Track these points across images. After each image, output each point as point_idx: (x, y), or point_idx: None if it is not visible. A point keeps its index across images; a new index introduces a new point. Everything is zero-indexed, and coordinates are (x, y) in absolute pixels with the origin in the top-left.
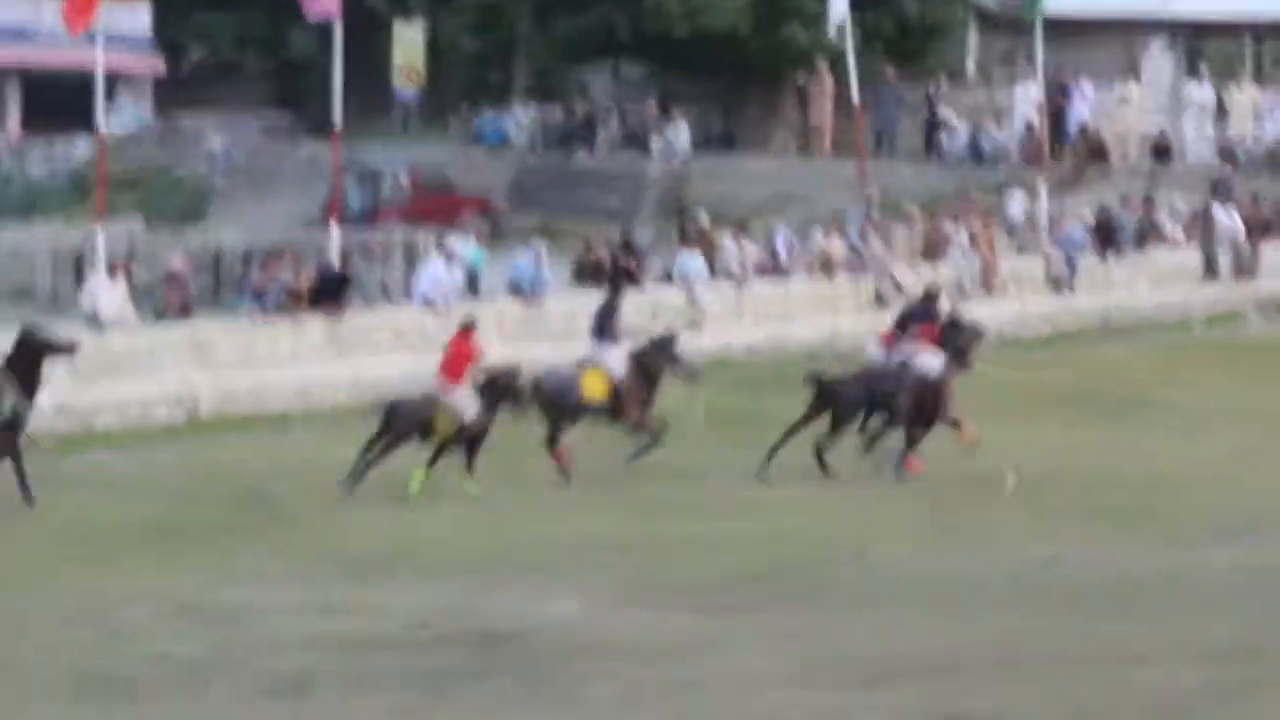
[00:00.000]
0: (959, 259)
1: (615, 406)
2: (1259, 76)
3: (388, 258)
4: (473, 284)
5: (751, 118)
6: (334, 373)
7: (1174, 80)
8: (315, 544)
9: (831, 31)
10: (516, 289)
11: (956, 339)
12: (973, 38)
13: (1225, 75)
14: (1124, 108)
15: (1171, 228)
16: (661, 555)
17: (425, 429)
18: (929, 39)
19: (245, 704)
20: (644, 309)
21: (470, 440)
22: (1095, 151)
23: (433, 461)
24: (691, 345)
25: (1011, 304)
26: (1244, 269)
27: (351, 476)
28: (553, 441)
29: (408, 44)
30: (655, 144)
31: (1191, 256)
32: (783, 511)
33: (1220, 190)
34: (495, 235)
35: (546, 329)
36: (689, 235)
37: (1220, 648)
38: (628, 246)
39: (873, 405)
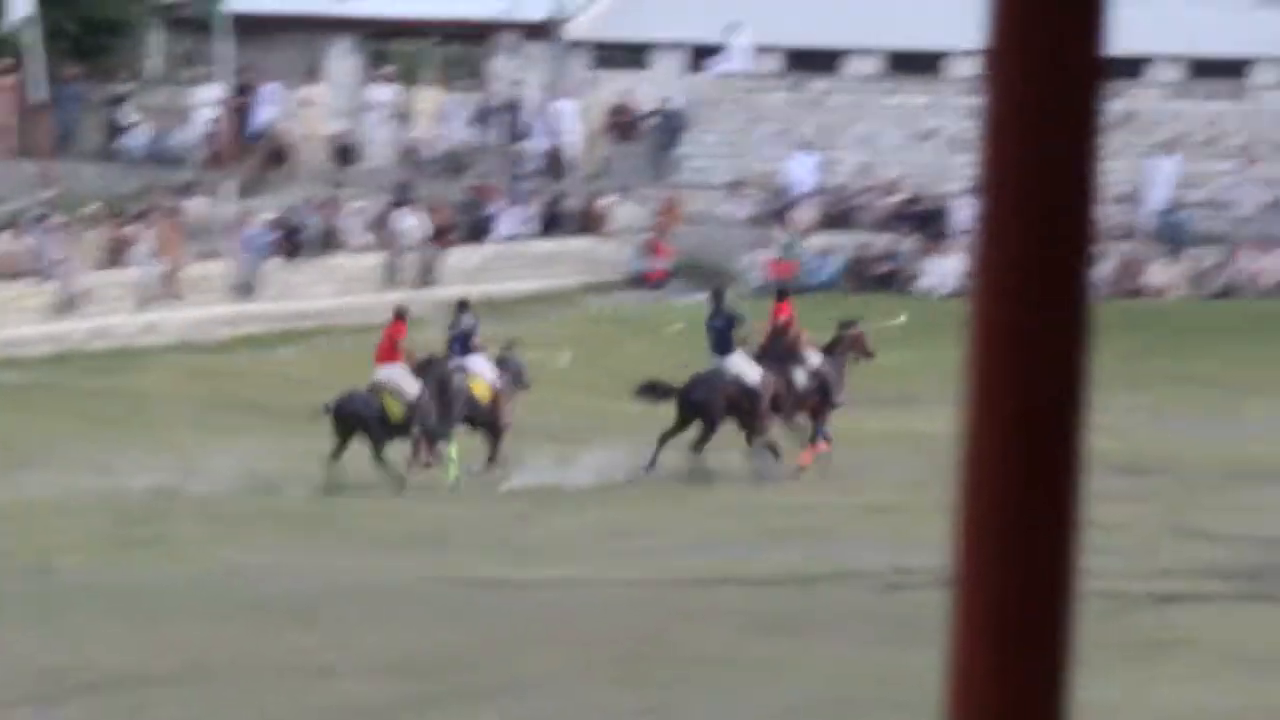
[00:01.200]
0: (142, 262)
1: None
2: (442, 79)
3: None
4: None
5: None
6: None
7: (358, 82)
8: None
9: (11, 26)
10: None
11: None
12: (158, 37)
13: (409, 77)
14: (308, 109)
15: (355, 231)
16: None
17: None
18: (112, 37)
19: None
20: None
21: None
22: (279, 153)
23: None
24: None
25: (194, 309)
26: (427, 274)
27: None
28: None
29: None
30: None
31: (375, 260)
32: None
33: (402, 193)
34: None
35: None
36: None
37: (412, 659)
38: None
39: None
